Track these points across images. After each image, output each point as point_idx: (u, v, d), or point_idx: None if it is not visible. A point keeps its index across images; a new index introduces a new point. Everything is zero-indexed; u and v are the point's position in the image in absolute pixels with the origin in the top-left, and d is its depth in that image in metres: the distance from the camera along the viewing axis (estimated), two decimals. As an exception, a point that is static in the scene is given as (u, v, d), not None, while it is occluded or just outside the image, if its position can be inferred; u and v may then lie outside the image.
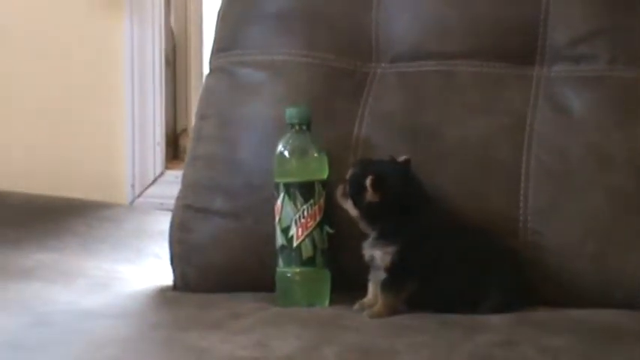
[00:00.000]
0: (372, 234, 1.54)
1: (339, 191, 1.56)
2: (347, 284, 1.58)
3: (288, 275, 1.59)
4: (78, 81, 2.29)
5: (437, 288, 1.51)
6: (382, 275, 1.53)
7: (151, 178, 2.26)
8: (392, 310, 1.51)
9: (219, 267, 1.69)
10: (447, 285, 1.51)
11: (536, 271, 1.57)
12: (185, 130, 2.32)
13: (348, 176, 1.56)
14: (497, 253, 1.54)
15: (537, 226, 1.58)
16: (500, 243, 1.56)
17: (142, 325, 1.51)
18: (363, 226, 1.55)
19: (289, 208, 1.58)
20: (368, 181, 1.51)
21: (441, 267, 1.51)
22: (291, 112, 1.60)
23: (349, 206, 1.55)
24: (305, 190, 1.57)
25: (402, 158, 1.56)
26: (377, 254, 1.53)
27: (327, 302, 1.58)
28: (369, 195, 1.52)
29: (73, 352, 1.35)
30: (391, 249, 1.52)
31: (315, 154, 1.60)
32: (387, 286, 1.52)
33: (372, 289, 1.55)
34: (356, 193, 1.53)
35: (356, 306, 1.55)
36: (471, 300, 1.51)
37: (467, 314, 1.48)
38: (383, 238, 1.53)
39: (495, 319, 1.47)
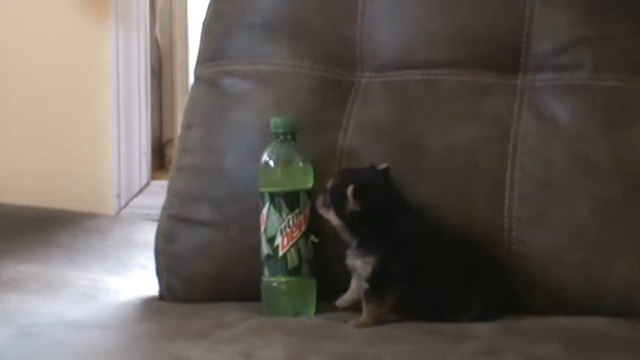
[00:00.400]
0: (353, 243, 1.55)
1: (320, 201, 1.56)
2: (333, 293, 1.58)
3: (274, 285, 1.59)
4: (63, 91, 2.29)
5: (418, 297, 1.51)
6: (365, 285, 1.53)
7: (137, 188, 2.26)
8: (377, 320, 1.51)
9: (205, 277, 1.69)
10: (428, 294, 1.51)
11: (522, 280, 1.57)
12: (171, 140, 2.32)
13: (328, 186, 1.56)
14: (479, 262, 1.54)
15: (522, 235, 1.58)
16: (483, 251, 1.56)
17: (129, 336, 1.51)
18: (345, 235, 1.55)
19: (274, 217, 1.58)
20: (349, 191, 1.51)
21: (422, 276, 1.51)
22: (276, 122, 1.61)
23: (331, 216, 1.55)
24: (290, 200, 1.57)
25: (381, 166, 1.56)
26: (358, 264, 1.53)
27: (312, 311, 1.58)
28: (351, 204, 1.52)
29: (59, 364, 1.35)
30: (371, 259, 1.52)
31: (300, 164, 1.60)
32: (369, 296, 1.52)
33: (354, 286, 1.55)
34: (338, 203, 1.53)
35: (337, 302, 1.56)
36: (453, 309, 1.51)
37: (451, 323, 1.48)
38: (363, 247, 1.53)
39: (481, 327, 1.47)
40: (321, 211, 1.56)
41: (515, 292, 1.56)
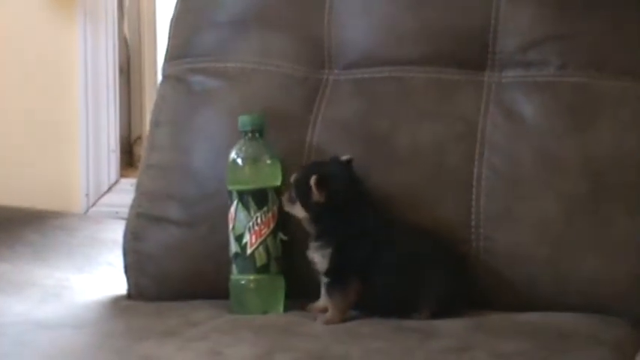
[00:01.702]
0: (312, 236, 1.55)
1: (285, 198, 1.56)
2: (301, 291, 1.58)
3: (243, 283, 1.59)
4: (32, 90, 2.28)
5: (372, 291, 1.51)
6: (324, 279, 1.54)
7: (106, 186, 2.25)
8: (343, 313, 1.51)
9: (173, 276, 1.68)
10: (380, 288, 1.51)
11: (490, 276, 1.58)
12: (140, 138, 2.31)
13: (292, 180, 1.56)
14: (431, 256, 1.53)
15: (489, 231, 1.58)
16: (441, 246, 1.55)
17: (97, 335, 1.51)
18: (310, 228, 1.55)
19: (243, 215, 1.57)
20: (312, 181, 1.51)
21: (375, 269, 1.51)
22: (243, 120, 1.60)
23: (297, 210, 1.55)
24: (258, 198, 1.57)
25: (344, 157, 1.56)
26: (316, 258, 1.54)
27: (281, 309, 1.58)
28: (315, 195, 1.52)
29: (25, 363, 1.35)
30: (327, 252, 1.52)
31: (268, 161, 1.60)
32: (331, 289, 1.53)
33: (325, 293, 1.56)
34: (303, 195, 1.53)
35: (308, 307, 1.56)
36: (401, 303, 1.51)
37: (400, 318, 1.49)
38: (321, 240, 1.53)
39: (450, 324, 1.48)
40: (287, 207, 1.56)
41: (475, 287, 1.56)
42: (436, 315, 1.50)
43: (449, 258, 1.55)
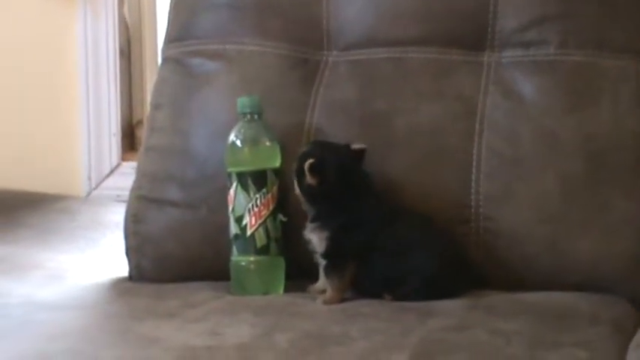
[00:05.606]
0: (310, 216, 1.55)
1: (293, 167, 1.57)
2: (301, 271, 1.59)
3: (243, 264, 1.59)
4: (32, 74, 2.28)
5: (365, 272, 1.52)
6: (321, 260, 1.54)
7: (108, 169, 2.25)
8: (342, 293, 1.52)
9: (174, 257, 1.69)
10: (372, 270, 1.52)
11: (489, 255, 1.58)
12: (141, 121, 2.31)
13: (298, 155, 1.56)
14: (421, 241, 1.54)
15: (489, 211, 1.59)
16: (433, 231, 1.55)
17: (98, 316, 1.51)
18: (304, 206, 1.56)
19: (242, 197, 1.58)
20: (306, 165, 1.52)
21: (370, 252, 1.52)
22: (242, 102, 1.61)
23: (295, 185, 1.56)
24: (257, 179, 1.58)
25: (356, 146, 1.56)
26: (314, 239, 1.54)
27: (281, 290, 1.59)
28: (308, 178, 1.52)
29: (29, 344, 1.35)
30: (325, 234, 1.53)
31: (268, 143, 1.60)
32: (329, 270, 1.54)
33: (323, 274, 1.56)
34: (299, 174, 1.54)
35: (308, 290, 1.57)
36: (388, 285, 1.51)
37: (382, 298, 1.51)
38: (319, 222, 1.54)
39: (449, 304, 1.48)
40: (293, 176, 1.56)
41: (472, 271, 1.57)
42: (408, 297, 1.50)
43: (441, 243, 1.55)
